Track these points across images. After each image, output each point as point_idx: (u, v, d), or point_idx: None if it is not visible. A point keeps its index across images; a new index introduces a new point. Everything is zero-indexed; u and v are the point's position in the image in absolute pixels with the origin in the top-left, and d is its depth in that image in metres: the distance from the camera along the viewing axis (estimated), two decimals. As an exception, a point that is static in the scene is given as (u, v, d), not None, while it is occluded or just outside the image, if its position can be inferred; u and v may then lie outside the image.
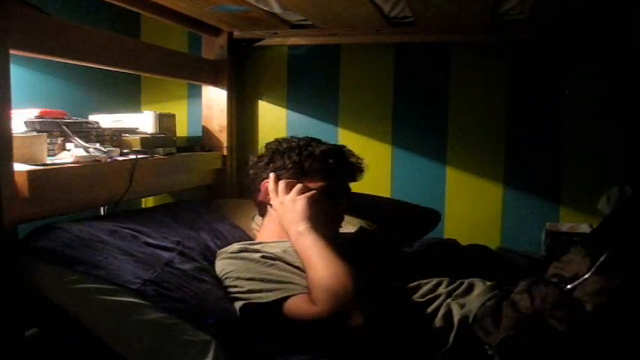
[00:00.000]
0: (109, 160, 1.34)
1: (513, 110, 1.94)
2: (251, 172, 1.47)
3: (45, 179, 1.13)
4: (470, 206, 1.99)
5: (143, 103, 2.21)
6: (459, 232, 1.86)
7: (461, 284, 1.24)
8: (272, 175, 1.38)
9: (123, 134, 1.50)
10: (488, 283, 1.24)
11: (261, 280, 1.18)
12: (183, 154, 1.74)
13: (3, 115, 1.02)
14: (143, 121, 1.67)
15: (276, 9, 1.70)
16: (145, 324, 1.03)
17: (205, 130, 2.01)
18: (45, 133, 1.23)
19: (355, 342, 1.06)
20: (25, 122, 1.23)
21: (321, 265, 1.14)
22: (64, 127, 1.31)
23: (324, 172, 1.38)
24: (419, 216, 1.63)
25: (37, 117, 1.27)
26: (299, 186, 1.33)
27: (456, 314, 1.15)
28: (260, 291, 1.16)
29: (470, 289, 1.23)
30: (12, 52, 1.05)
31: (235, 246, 1.33)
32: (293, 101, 2.12)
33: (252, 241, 1.41)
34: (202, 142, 2.00)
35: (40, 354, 1.10)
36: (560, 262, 1.18)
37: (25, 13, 1.16)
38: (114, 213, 1.40)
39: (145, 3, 1.60)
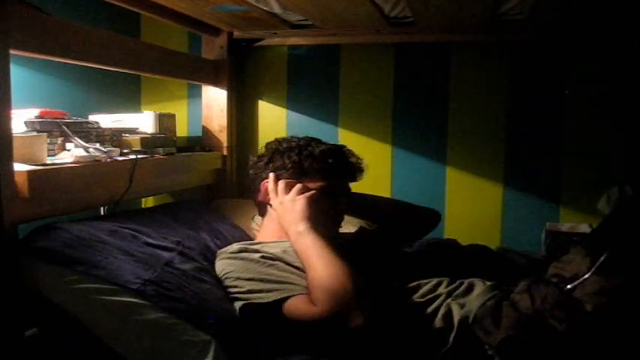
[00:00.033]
0: (109, 160, 1.34)
1: (513, 110, 1.94)
2: (251, 172, 1.47)
3: (45, 179, 1.13)
4: (470, 206, 1.99)
5: (143, 103, 2.21)
6: (459, 232, 1.86)
7: (461, 284, 1.24)
8: (272, 175, 1.38)
9: (123, 134, 1.51)
10: (489, 283, 1.24)
11: (261, 280, 1.18)
12: (183, 154, 1.74)
13: (3, 115, 1.02)
14: (143, 121, 1.67)
15: (276, 9, 1.70)
16: (145, 324, 1.03)
17: (205, 130, 2.01)
18: (45, 133, 1.23)
19: (355, 342, 1.06)
20: (25, 122, 1.23)
21: (321, 265, 1.14)
22: (64, 127, 1.31)
23: (323, 172, 1.38)
24: (419, 216, 1.63)
25: (37, 117, 1.27)
26: (299, 186, 1.33)
27: (456, 314, 1.15)
28: (260, 291, 1.16)
29: (470, 289, 1.23)
30: (12, 52, 1.05)
31: (235, 246, 1.33)
32: (293, 101, 2.12)
33: (251, 241, 1.41)
34: (202, 142, 2.00)
35: (40, 354, 1.10)
36: (560, 262, 1.18)
37: (25, 13, 1.15)
38: (114, 213, 1.40)
39: (145, 3, 1.60)
